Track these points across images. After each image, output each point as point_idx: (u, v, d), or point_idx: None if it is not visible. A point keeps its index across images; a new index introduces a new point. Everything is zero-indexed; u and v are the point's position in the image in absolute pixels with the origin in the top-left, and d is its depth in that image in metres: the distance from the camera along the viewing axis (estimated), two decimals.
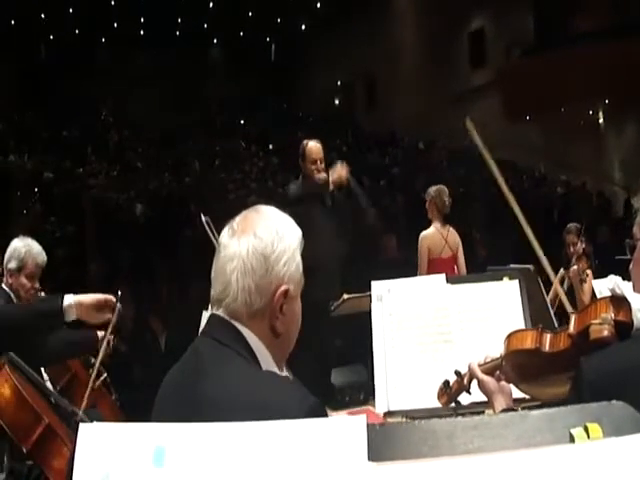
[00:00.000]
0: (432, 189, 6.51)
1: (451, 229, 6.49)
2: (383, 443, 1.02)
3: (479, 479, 0.88)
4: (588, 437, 1.02)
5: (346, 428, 0.89)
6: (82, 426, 1.03)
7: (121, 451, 0.98)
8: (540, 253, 3.17)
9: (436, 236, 6.37)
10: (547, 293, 4.13)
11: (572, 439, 1.03)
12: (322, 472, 0.88)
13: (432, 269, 6.10)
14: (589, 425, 1.02)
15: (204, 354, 1.58)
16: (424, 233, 6.40)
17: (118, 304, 3.22)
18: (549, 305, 3.84)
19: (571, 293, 6.43)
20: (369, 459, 0.87)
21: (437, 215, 6.42)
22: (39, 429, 3.49)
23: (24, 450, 3.48)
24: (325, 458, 0.89)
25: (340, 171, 5.70)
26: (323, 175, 5.54)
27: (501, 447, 1.04)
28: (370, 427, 0.89)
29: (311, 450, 0.90)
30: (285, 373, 1.72)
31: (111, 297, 3.13)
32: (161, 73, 26.29)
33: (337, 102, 29.23)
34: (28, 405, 3.56)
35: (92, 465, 0.99)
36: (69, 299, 3.07)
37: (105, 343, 3.71)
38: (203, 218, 4.15)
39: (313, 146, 5.64)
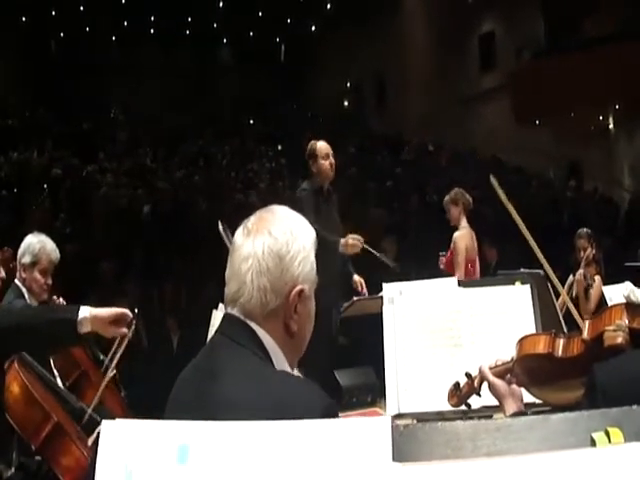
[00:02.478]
0: (456, 192, 6.53)
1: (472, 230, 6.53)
2: (407, 444, 1.03)
3: None
4: (609, 441, 1.02)
5: (371, 428, 0.90)
6: (105, 423, 1.03)
7: (144, 448, 0.99)
8: (547, 266, 3.18)
9: (469, 236, 6.39)
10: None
11: (593, 443, 1.03)
12: (347, 472, 0.89)
13: (466, 269, 6.17)
14: (610, 430, 1.03)
15: (220, 354, 1.59)
16: (460, 234, 6.40)
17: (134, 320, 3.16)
18: (559, 311, 3.85)
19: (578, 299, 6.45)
20: (393, 460, 0.88)
21: (464, 216, 6.42)
22: (48, 427, 3.48)
23: (33, 447, 3.50)
24: (350, 458, 0.89)
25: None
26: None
27: (523, 450, 1.04)
28: (394, 428, 0.89)
29: (336, 450, 0.90)
30: (297, 373, 1.73)
31: (128, 312, 3.05)
32: (171, 72, 26.33)
33: (346, 103, 29.22)
34: (37, 403, 3.55)
35: (115, 462, 1.00)
36: (84, 311, 2.97)
37: (119, 354, 3.68)
38: (220, 226, 4.12)
39: (323, 144, 5.79)
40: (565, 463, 0.91)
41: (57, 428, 3.50)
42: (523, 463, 0.91)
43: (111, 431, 1.02)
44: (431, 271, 6.07)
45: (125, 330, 3.02)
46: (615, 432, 1.03)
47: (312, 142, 5.88)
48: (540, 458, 0.92)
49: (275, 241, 1.59)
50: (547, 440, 1.05)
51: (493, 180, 3.24)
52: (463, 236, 6.34)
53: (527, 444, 1.05)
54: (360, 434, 0.90)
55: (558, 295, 3.90)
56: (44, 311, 3.22)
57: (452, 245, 6.38)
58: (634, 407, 1.08)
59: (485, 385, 2.26)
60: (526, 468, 0.90)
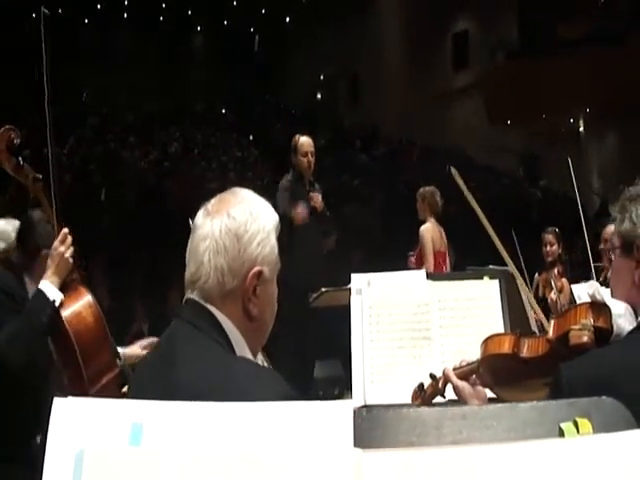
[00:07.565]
0: (425, 190, 6.67)
1: (441, 227, 6.66)
2: (370, 430, 1.00)
3: (467, 470, 0.86)
4: (577, 432, 1.01)
5: (332, 413, 0.87)
6: (56, 400, 0.99)
7: (97, 427, 0.95)
8: (508, 259, 3.19)
9: (435, 229, 6.53)
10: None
11: (562, 433, 1.01)
12: (307, 456, 0.85)
13: (436, 264, 6.30)
14: (579, 420, 1.01)
15: (178, 339, 1.57)
16: (425, 226, 6.60)
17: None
18: (527, 307, 3.86)
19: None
20: (355, 446, 0.85)
21: (430, 214, 6.58)
22: (110, 375, 3.07)
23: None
24: (310, 442, 0.86)
25: (317, 201, 6.13)
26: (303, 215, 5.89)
27: (490, 438, 1.02)
28: (357, 413, 0.86)
29: (295, 433, 0.87)
30: (260, 359, 1.71)
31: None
32: (143, 58, 26.11)
33: (319, 96, 29.22)
34: (109, 343, 3.13)
35: (66, 441, 0.95)
36: (56, 295, 3.05)
37: None
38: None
39: (305, 140, 6.13)
40: (533, 453, 0.89)
41: (115, 380, 3.09)
42: (489, 452, 0.88)
43: (63, 409, 0.97)
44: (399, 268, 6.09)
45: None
46: (584, 423, 1.01)
47: (297, 136, 6.19)
48: (507, 448, 0.90)
49: (233, 221, 1.58)
50: (515, 429, 1.03)
51: (454, 171, 3.27)
52: (428, 228, 6.53)
53: (494, 433, 1.03)
54: (321, 418, 0.87)
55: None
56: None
57: (419, 239, 6.50)
58: (603, 397, 1.07)
59: (450, 386, 2.25)
60: (493, 457, 0.88)
